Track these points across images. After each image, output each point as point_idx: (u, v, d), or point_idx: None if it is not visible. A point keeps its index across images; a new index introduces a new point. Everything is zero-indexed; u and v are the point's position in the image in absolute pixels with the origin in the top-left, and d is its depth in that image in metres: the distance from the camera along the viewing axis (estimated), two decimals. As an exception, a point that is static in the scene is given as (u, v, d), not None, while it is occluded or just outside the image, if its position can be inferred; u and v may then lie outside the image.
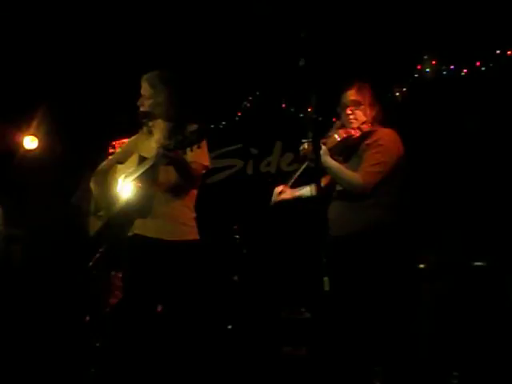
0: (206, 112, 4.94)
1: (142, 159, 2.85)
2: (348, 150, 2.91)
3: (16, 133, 5.33)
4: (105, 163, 3.10)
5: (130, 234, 2.87)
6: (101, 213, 2.95)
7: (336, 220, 2.86)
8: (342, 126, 2.94)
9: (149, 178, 2.83)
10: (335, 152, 2.89)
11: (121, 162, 3.04)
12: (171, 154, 2.65)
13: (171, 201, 2.86)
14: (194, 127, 2.75)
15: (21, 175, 5.29)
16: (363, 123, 2.89)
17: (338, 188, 2.92)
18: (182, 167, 2.77)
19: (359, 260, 2.75)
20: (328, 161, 2.82)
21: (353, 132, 2.87)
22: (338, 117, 3.02)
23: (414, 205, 4.00)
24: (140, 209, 2.84)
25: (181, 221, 2.87)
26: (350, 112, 2.91)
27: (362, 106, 2.91)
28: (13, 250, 4.85)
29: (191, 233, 2.90)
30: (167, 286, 2.80)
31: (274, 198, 3.10)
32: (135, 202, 2.82)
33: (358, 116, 2.90)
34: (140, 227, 2.84)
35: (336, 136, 2.87)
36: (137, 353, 2.76)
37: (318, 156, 2.63)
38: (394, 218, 2.82)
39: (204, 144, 2.89)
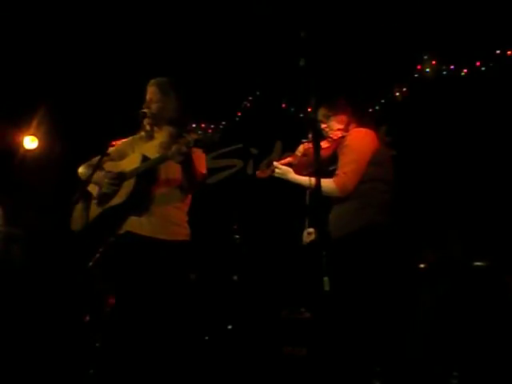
0: (206, 112, 4.96)
1: (146, 159, 2.86)
2: (331, 162, 2.97)
3: (16, 133, 5.33)
4: (96, 158, 3.09)
5: (120, 231, 2.86)
6: (103, 204, 2.93)
7: (333, 223, 2.88)
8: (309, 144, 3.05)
9: (150, 175, 2.83)
10: (305, 166, 3.01)
11: (112, 160, 3.04)
12: (188, 152, 2.66)
13: (168, 201, 2.88)
14: (195, 133, 2.76)
15: (21, 175, 5.29)
16: (337, 130, 3.06)
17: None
18: (191, 168, 2.78)
19: (354, 260, 2.76)
20: (294, 177, 2.99)
21: (322, 142, 3.02)
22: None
23: (414, 205, 4.00)
24: (136, 206, 2.84)
25: (174, 221, 2.89)
26: (324, 126, 3.11)
27: (334, 116, 3.09)
28: (13, 249, 4.85)
29: (183, 233, 2.91)
30: (157, 285, 2.80)
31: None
32: (133, 199, 2.82)
33: (331, 126, 3.09)
34: (133, 225, 2.84)
35: (296, 152, 3.07)
36: (136, 353, 2.76)
37: (318, 157, 2.62)
38: (387, 218, 2.83)
39: (201, 151, 2.92)
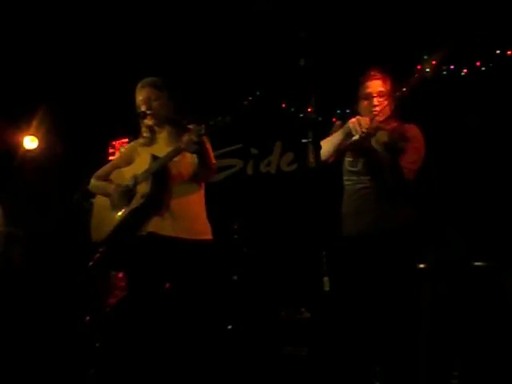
0: (206, 112, 4.95)
1: (155, 158, 2.86)
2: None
3: (16, 133, 5.33)
4: (103, 168, 3.11)
5: (142, 233, 2.85)
6: (119, 212, 2.93)
7: (360, 218, 2.83)
8: (342, 126, 2.92)
9: (163, 172, 2.83)
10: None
11: (119, 167, 3.05)
12: (201, 140, 2.66)
13: (185, 195, 2.87)
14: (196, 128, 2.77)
15: (21, 175, 5.29)
16: (389, 117, 2.81)
17: (363, 184, 2.87)
18: (207, 155, 2.80)
19: (381, 259, 2.73)
20: (384, 154, 2.75)
21: (393, 126, 2.80)
22: (339, 116, 3.01)
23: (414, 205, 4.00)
24: (156, 205, 2.83)
25: (198, 219, 2.89)
26: (377, 103, 2.81)
27: (387, 98, 2.84)
28: (13, 249, 4.85)
29: (207, 233, 2.91)
30: (180, 284, 2.80)
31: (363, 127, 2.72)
32: (153, 198, 2.81)
33: (384, 108, 2.81)
34: (156, 225, 2.83)
35: (387, 127, 2.76)
36: (137, 353, 2.76)
37: (318, 156, 2.61)
38: (417, 216, 2.81)
39: (208, 143, 2.92)
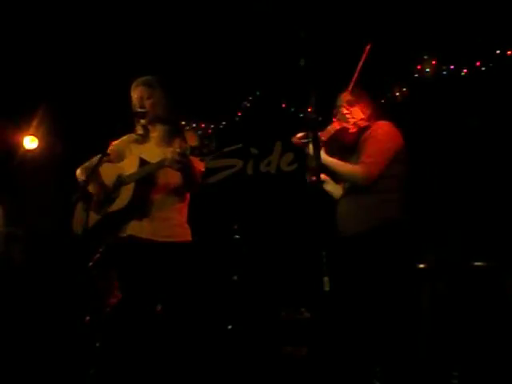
0: (206, 112, 4.96)
1: (143, 162, 2.86)
2: (346, 148, 2.95)
3: (16, 133, 5.33)
4: (93, 160, 3.08)
5: (123, 234, 2.86)
6: (103, 208, 2.93)
7: (347, 218, 2.88)
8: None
9: (149, 180, 2.83)
10: (332, 147, 2.93)
11: (110, 161, 3.03)
12: (185, 160, 2.66)
13: (168, 205, 2.87)
14: (199, 133, 2.76)
15: (21, 175, 5.29)
16: (360, 120, 2.96)
17: (346, 186, 2.95)
18: (191, 172, 2.79)
19: (373, 259, 2.74)
20: (324, 157, 2.86)
21: (349, 126, 2.94)
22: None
23: (414, 205, 4.00)
24: (137, 210, 2.84)
25: (175, 223, 2.88)
26: (346, 111, 2.99)
27: (358, 105, 2.99)
28: (13, 249, 4.85)
29: (184, 234, 2.91)
30: (162, 287, 2.80)
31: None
32: (134, 203, 2.82)
33: (354, 114, 2.98)
34: (134, 228, 2.84)
35: (329, 128, 2.93)
36: (137, 353, 2.76)
37: (318, 155, 2.62)
38: (406, 215, 2.83)
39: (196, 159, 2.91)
